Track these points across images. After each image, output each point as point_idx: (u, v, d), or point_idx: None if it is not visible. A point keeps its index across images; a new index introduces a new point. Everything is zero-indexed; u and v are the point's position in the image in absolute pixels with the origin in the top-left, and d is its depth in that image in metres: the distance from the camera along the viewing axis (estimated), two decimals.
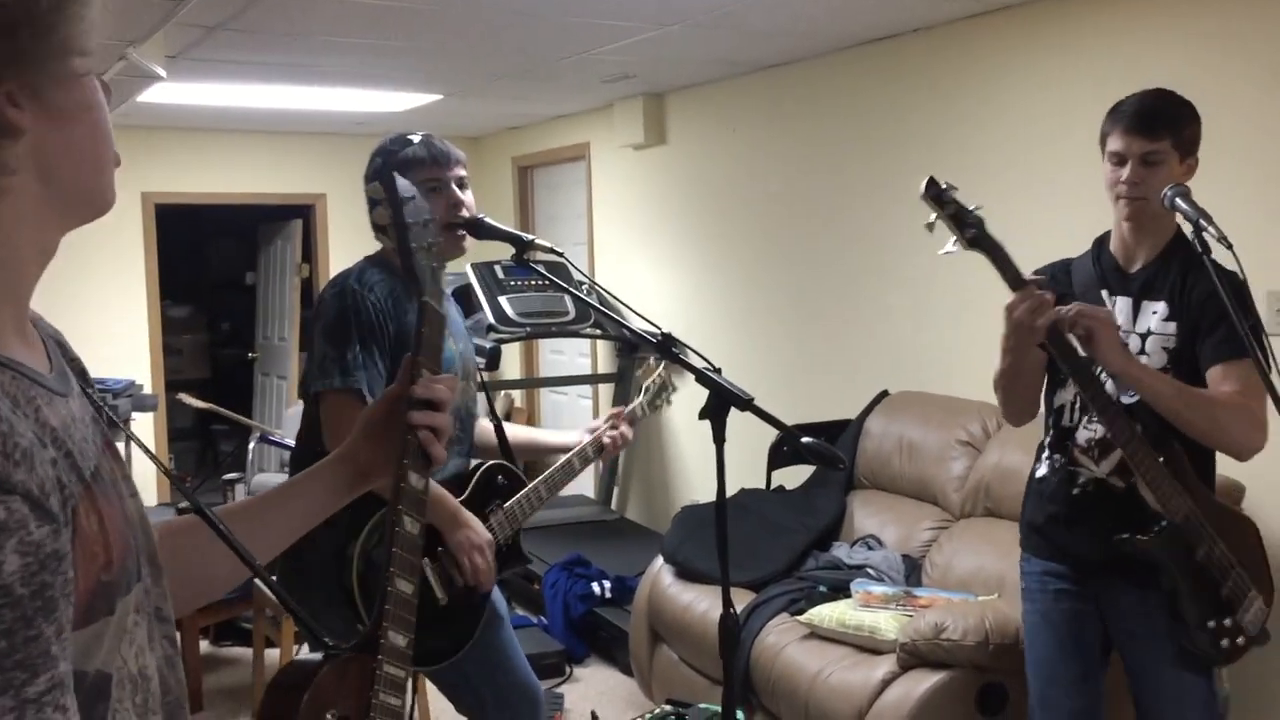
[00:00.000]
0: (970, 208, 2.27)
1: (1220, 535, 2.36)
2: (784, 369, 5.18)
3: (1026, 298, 2.25)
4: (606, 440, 2.71)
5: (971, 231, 2.25)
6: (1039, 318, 2.24)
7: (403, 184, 1.52)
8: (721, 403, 1.99)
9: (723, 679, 2.04)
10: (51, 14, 0.89)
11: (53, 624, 0.79)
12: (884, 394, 4.40)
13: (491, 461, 2.64)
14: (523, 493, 2.60)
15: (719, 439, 2.03)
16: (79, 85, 0.94)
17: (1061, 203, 3.78)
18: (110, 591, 0.89)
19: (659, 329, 2.15)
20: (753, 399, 1.97)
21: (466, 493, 2.53)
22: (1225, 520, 2.40)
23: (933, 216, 2.26)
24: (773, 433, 4.60)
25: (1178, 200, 2.38)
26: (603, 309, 2.64)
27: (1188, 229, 2.37)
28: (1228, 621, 2.37)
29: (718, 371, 2.03)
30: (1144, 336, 2.43)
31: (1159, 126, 2.34)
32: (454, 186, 2.48)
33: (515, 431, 2.84)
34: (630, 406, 2.81)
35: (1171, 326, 2.41)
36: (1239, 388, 2.30)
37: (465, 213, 2.46)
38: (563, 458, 2.70)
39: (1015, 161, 3.98)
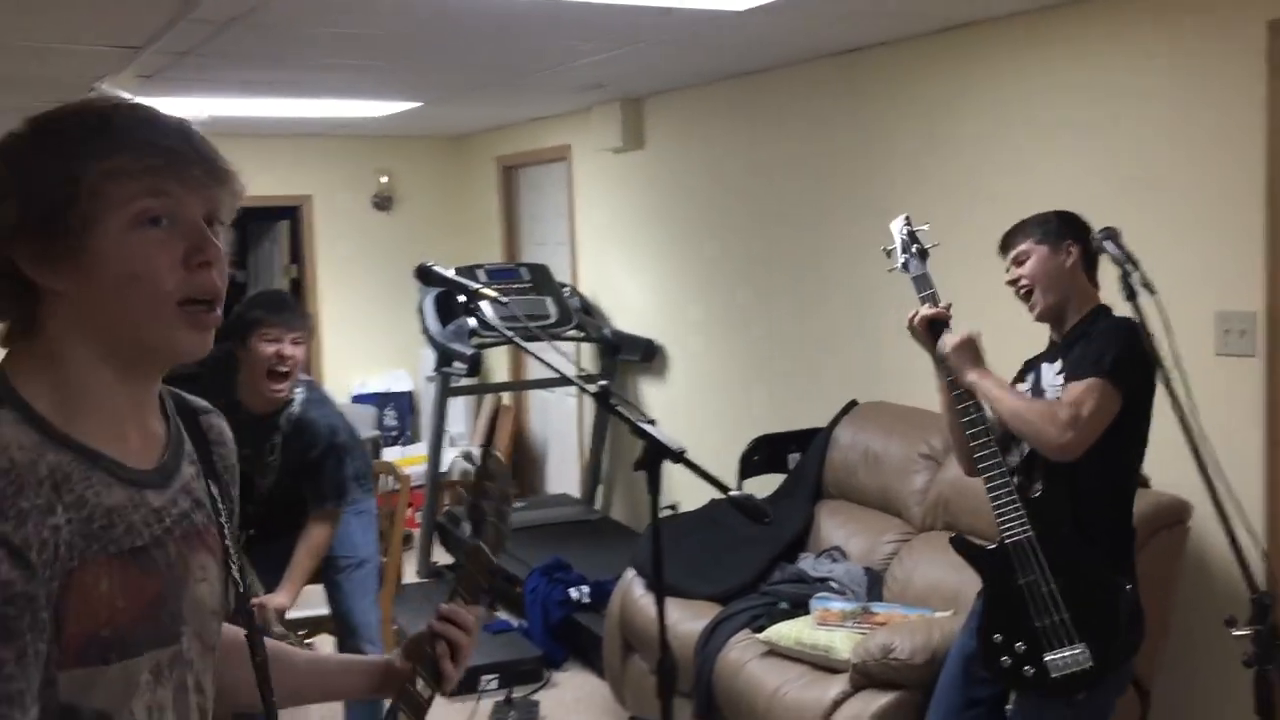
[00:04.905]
0: (927, 246, 2.78)
1: (1059, 576, 2.49)
2: (760, 374, 5.24)
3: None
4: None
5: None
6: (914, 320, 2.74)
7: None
8: (655, 455, 2.08)
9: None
10: (68, 201, 1.00)
11: (10, 649, 0.93)
12: (853, 404, 4.43)
13: None
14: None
15: (654, 490, 2.11)
16: (106, 254, 1.01)
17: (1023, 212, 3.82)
18: (106, 645, 1.01)
19: (597, 383, 2.22)
20: (684, 451, 2.03)
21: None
22: (1082, 574, 2.51)
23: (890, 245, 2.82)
24: (744, 441, 4.72)
25: (1106, 243, 2.45)
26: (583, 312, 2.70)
27: (1115, 271, 2.44)
28: (1020, 645, 2.51)
29: (652, 423, 2.10)
30: (1043, 391, 2.68)
31: (1009, 239, 2.78)
32: (287, 343, 3.11)
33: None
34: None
35: (1056, 371, 2.67)
36: (1068, 397, 2.52)
37: (285, 366, 3.13)
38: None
39: (979, 170, 4.02)
